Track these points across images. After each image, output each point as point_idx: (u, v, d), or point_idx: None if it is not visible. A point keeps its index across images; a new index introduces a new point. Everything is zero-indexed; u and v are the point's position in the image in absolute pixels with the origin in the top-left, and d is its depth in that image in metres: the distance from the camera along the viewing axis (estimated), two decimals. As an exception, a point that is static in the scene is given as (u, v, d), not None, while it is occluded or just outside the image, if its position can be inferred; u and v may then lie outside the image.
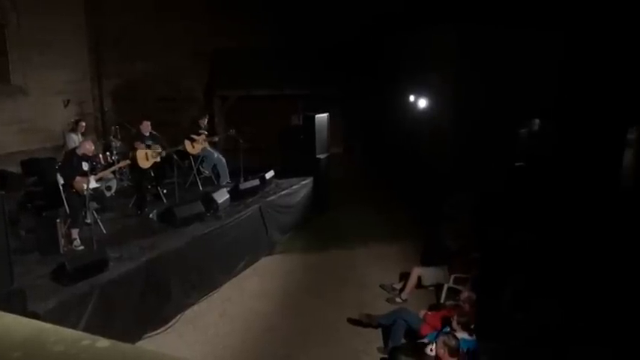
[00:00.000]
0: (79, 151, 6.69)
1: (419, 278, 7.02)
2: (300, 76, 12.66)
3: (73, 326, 4.75)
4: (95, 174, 6.94)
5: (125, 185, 9.51)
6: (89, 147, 6.77)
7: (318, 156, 10.54)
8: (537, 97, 9.90)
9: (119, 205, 8.33)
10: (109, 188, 8.74)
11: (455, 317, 5.29)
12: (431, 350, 4.85)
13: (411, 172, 11.01)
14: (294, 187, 9.80)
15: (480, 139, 9.88)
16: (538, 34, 9.78)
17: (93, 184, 6.67)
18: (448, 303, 6.49)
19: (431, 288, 7.17)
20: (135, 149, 8.08)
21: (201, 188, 9.46)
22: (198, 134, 9.56)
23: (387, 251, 8.63)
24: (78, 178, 6.45)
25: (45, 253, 6.07)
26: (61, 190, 6.92)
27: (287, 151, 10.97)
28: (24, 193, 8.32)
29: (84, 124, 9.86)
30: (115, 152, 9.40)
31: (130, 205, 8.25)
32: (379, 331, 6.12)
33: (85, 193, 6.29)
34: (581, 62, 9.21)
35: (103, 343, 1.08)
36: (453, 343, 4.61)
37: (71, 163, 6.61)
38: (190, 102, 13.56)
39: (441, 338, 4.73)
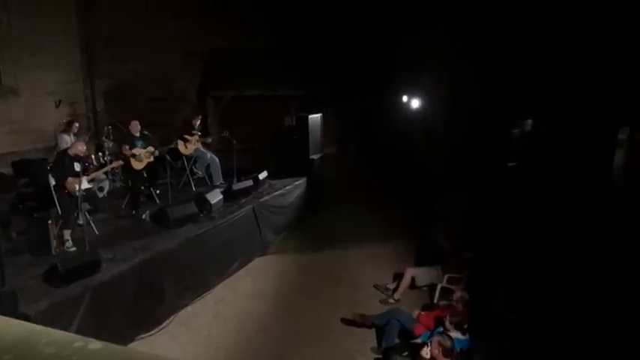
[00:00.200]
0: (71, 152, 6.65)
1: (412, 279, 7.03)
2: (294, 76, 12.65)
3: (65, 328, 4.72)
4: (87, 175, 6.90)
5: (118, 186, 9.46)
6: (81, 147, 6.72)
7: (311, 156, 10.54)
8: (530, 97, 9.95)
9: (112, 206, 8.29)
10: (101, 189, 8.69)
11: (448, 317, 5.31)
12: (426, 353, 4.86)
13: (405, 172, 11.03)
14: (287, 187, 9.79)
15: (473, 140, 9.92)
16: (530, 34, 9.83)
17: (85, 185, 6.63)
18: (441, 303, 6.51)
19: (424, 288, 7.19)
20: (124, 155, 8.01)
21: (194, 189, 9.44)
22: (191, 135, 9.54)
23: (381, 251, 8.64)
24: (70, 179, 6.41)
25: (37, 254, 6.03)
26: (53, 191, 6.87)
27: (280, 151, 10.95)
28: (15, 195, 8.26)
29: (77, 124, 9.80)
30: (107, 153, 9.35)
31: (123, 206, 8.22)
32: (373, 331, 6.13)
33: (77, 193, 6.25)
34: (573, 63, 9.27)
35: (95, 345, 1.07)
36: (447, 343, 4.63)
37: (63, 163, 6.56)
38: (183, 102, 13.51)
39: (436, 338, 4.74)
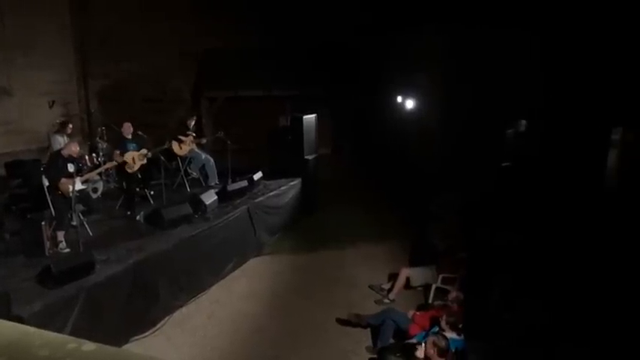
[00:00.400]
0: (65, 153, 6.61)
1: (407, 279, 7.05)
2: (288, 76, 12.64)
3: (59, 330, 4.69)
4: (81, 175, 6.87)
5: (112, 187, 9.43)
6: (75, 148, 6.69)
7: (306, 157, 10.54)
8: (524, 97, 9.98)
9: (106, 207, 8.27)
10: (95, 190, 8.67)
11: (443, 317, 5.33)
12: (420, 353, 4.87)
13: (399, 172, 11.05)
14: (282, 188, 9.79)
15: (468, 140, 9.95)
16: (525, 35, 9.86)
17: (79, 186, 6.59)
18: (436, 303, 6.53)
19: (419, 288, 7.20)
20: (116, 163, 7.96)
21: (189, 190, 9.42)
22: (186, 135, 9.52)
23: (376, 251, 8.65)
24: (63, 180, 6.38)
25: (30, 255, 6.00)
26: (47, 192, 6.84)
27: (275, 152, 10.95)
28: (8, 196, 8.22)
29: (71, 125, 9.76)
30: (101, 154, 9.31)
31: (117, 207, 8.19)
32: (368, 331, 6.14)
33: (71, 194, 6.22)
34: (567, 63, 9.30)
35: (88, 346, 1.07)
36: (442, 343, 4.64)
37: (56, 164, 6.53)
38: (177, 103, 13.48)
39: (431, 338, 4.75)
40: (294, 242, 9.18)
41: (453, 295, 5.83)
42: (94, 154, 9.38)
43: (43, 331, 1.18)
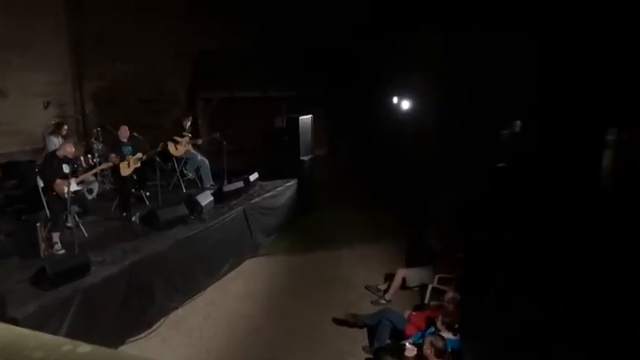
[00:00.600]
0: (60, 154, 6.59)
1: (403, 279, 7.06)
2: (284, 77, 12.63)
3: (55, 332, 4.68)
4: (76, 176, 6.84)
5: (107, 188, 9.40)
6: (70, 149, 6.67)
7: (302, 158, 10.55)
8: (520, 98, 10.01)
9: (101, 208, 8.24)
10: (90, 191, 8.65)
11: (439, 317, 5.33)
12: (410, 352, 4.90)
13: (395, 172, 11.06)
14: (278, 189, 9.78)
15: (464, 140, 9.97)
16: (521, 36, 9.89)
17: (74, 187, 6.56)
18: (432, 303, 6.54)
19: (415, 288, 7.21)
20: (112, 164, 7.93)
21: (184, 191, 9.41)
22: (182, 136, 9.51)
23: (372, 252, 8.66)
24: (58, 181, 6.35)
25: (25, 257, 5.97)
26: (42, 194, 6.82)
27: (271, 152, 10.95)
28: (3, 197, 8.19)
29: (66, 126, 9.71)
30: (96, 155, 9.29)
31: (113, 208, 8.16)
32: (364, 331, 6.14)
33: (66, 196, 6.20)
34: (563, 64, 9.34)
35: (84, 348, 1.06)
36: (440, 344, 4.65)
37: (51, 165, 6.51)
38: (173, 104, 13.44)
39: (429, 338, 4.76)
40: (290, 243, 9.18)
41: (449, 295, 5.85)
42: (89, 155, 9.35)
43: (38, 332, 1.17)
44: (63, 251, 6.25)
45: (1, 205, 7.91)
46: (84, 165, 8.83)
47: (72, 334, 4.76)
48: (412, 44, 11.19)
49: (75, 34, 12.79)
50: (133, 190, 8.44)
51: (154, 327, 6.16)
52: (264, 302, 7.05)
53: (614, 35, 7.43)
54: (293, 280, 7.76)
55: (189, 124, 9.84)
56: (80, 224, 6.88)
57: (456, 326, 5.25)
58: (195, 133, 10.54)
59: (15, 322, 4.38)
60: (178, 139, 9.44)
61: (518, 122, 10.48)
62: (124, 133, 8.21)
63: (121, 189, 8.21)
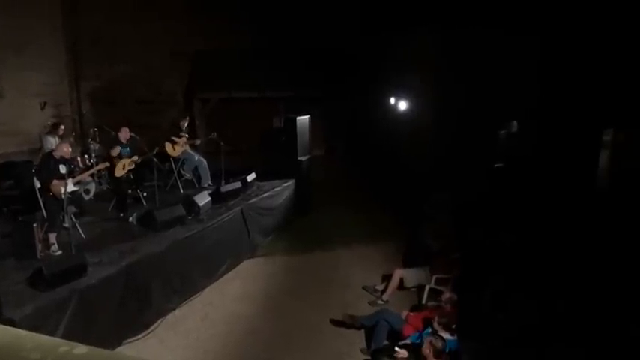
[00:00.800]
0: (57, 154, 6.56)
1: (401, 279, 7.07)
2: (282, 77, 12.63)
3: (51, 333, 4.67)
4: (73, 177, 6.83)
5: (104, 189, 9.38)
6: (66, 149, 6.64)
7: (299, 158, 10.55)
8: (516, 98, 10.03)
9: (98, 209, 8.21)
10: (87, 192, 8.62)
11: (436, 318, 5.34)
12: (399, 354, 4.93)
13: (392, 173, 11.07)
14: (275, 189, 9.79)
15: (460, 140, 9.98)
16: (517, 36, 9.91)
17: (71, 188, 6.56)
18: (430, 304, 6.55)
19: (413, 289, 7.22)
20: (111, 157, 7.91)
21: (182, 191, 9.39)
22: (179, 137, 9.49)
23: (369, 252, 8.67)
24: (55, 182, 6.33)
25: (21, 258, 5.95)
26: (38, 194, 6.80)
27: (268, 153, 10.95)
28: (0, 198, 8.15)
29: (63, 127, 9.70)
30: (93, 155, 9.26)
31: (110, 209, 8.14)
32: (362, 332, 6.14)
33: (63, 196, 6.18)
34: (559, 65, 9.36)
35: (80, 349, 1.06)
36: (439, 344, 4.66)
37: (48, 166, 6.48)
38: (170, 104, 13.42)
39: (429, 338, 4.78)
40: (287, 243, 9.18)
41: (446, 295, 5.86)
42: (86, 156, 9.33)
43: (34, 334, 1.17)
44: (60, 252, 6.23)
45: (-2, 205, 7.89)
46: (81, 165, 8.82)
47: (69, 335, 4.75)
48: (409, 44, 11.20)
49: (72, 34, 12.77)
50: (130, 192, 8.42)
51: (151, 328, 6.15)
52: (262, 303, 7.05)
53: (610, 36, 7.45)
54: (291, 280, 7.76)
55: (186, 124, 9.82)
56: (77, 225, 6.86)
57: (453, 326, 5.26)
58: (192, 133, 10.54)
59: (12, 323, 4.38)
60: (176, 139, 9.43)
61: (514, 123, 10.51)
62: (125, 135, 8.17)
63: (116, 190, 8.20)
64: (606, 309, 5.82)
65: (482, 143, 10.23)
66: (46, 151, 8.26)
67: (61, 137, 9.27)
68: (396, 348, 5.03)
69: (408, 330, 5.69)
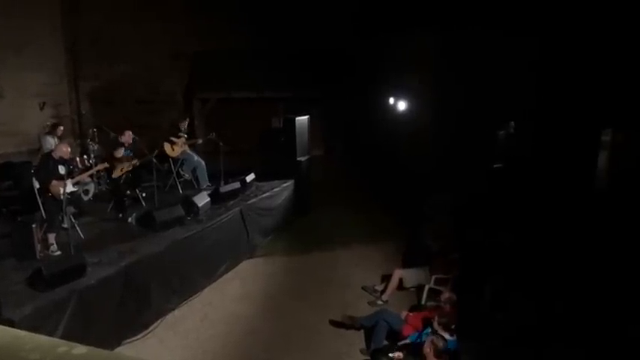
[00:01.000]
0: (56, 155, 6.56)
1: (400, 280, 7.06)
2: (281, 77, 12.63)
3: (50, 333, 4.66)
4: (72, 177, 6.82)
5: (103, 189, 9.36)
6: (65, 150, 6.64)
7: (298, 158, 10.55)
8: (515, 99, 10.04)
9: (97, 209, 8.20)
10: (86, 192, 8.61)
11: (436, 318, 5.34)
12: (395, 356, 4.94)
13: (392, 173, 11.07)
14: (275, 189, 9.78)
15: (459, 141, 9.99)
16: (516, 37, 9.92)
17: (70, 188, 6.55)
18: (429, 304, 6.55)
19: (412, 289, 7.22)
20: (113, 158, 7.90)
21: (181, 191, 9.39)
22: (178, 137, 9.49)
23: (369, 252, 8.66)
24: (54, 182, 6.33)
25: (21, 258, 5.94)
26: (37, 195, 6.78)
27: (267, 153, 10.94)
28: (-2, 198, 8.14)
29: (62, 127, 9.69)
30: (92, 155, 9.26)
31: (109, 209, 8.14)
32: (361, 332, 6.14)
33: (62, 197, 6.17)
34: (557, 65, 9.37)
35: (79, 349, 1.06)
36: (440, 344, 4.66)
37: (47, 166, 6.48)
38: (170, 104, 13.42)
39: (430, 338, 4.78)
40: (287, 244, 9.18)
41: (445, 295, 5.85)
42: (85, 156, 9.33)
43: (33, 334, 1.17)
44: (59, 252, 6.22)
45: (-3, 206, 7.88)
46: (80, 166, 8.81)
47: (68, 336, 4.75)
48: (408, 45, 11.22)
49: (71, 34, 12.77)
50: (128, 192, 8.41)
51: (151, 328, 6.15)
52: (261, 303, 7.04)
53: (608, 37, 7.46)
54: (290, 280, 7.76)
55: (185, 124, 9.82)
56: (76, 225, 6.85)
57: (453, 326, 5.26)
58: (191, 133, 10.53)
59: (11, 323, 4.37)
60: (175, 139, 9.42)
61: (512, 123, 10.53)
62: (128, 138, 8.17)
63: (114, 190, 8.19)
64: (605, 309, 5.83)
65: (482, 144, 10.24)
66: (45, 151, 8.26)
67: (60, 137, 9.27)
68: (390, 355, 5.04)
69: (407, 330, 5.69)
